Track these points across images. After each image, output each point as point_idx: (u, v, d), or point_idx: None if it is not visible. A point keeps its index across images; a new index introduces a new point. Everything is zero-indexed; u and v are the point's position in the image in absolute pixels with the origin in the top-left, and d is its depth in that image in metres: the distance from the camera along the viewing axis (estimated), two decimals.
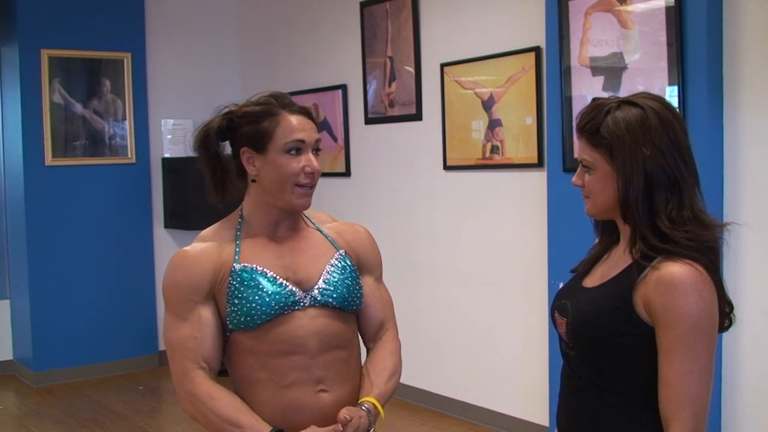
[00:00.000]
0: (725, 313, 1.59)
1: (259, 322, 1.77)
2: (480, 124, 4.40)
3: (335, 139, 5.40)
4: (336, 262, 1.87)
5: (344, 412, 1.75)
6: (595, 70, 3.63)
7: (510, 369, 4.36)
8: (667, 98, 3.29)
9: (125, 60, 5.79)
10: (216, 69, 6.26)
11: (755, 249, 3.27)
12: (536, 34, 4.05)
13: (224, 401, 1.75)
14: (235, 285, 1.78)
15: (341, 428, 1.72)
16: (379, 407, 1.83)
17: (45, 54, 5.48)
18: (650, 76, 3.42)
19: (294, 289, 1.81)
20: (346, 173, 5.36)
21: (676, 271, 1.49)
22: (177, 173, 5.86)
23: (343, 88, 5.33)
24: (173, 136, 6.05)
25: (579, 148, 1.64)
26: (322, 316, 1.82)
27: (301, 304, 1.81)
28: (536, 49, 4.07)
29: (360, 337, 1.97)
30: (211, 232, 1.88)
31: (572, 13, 3.70)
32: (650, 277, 1.52)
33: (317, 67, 5.57)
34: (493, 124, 4.33)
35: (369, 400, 1.82)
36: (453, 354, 4.70)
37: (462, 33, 4.51)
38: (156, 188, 6.02)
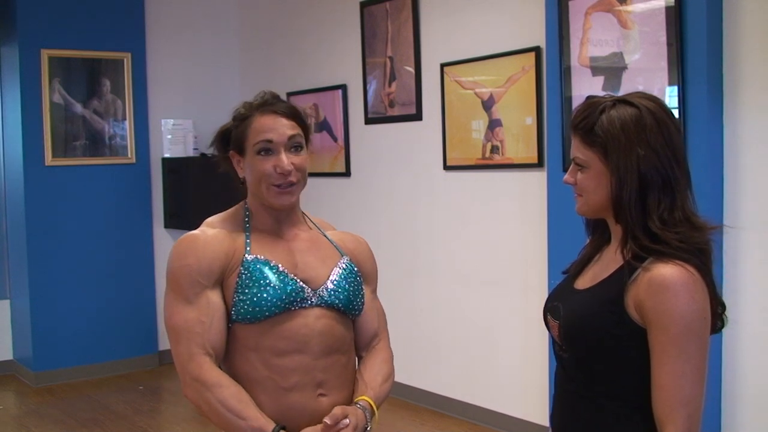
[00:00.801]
0: (717, 314, 1.58)
1: (267, 314, 1.76)
2: (480, 124, 4.40)
3: (335, 139, 5.40)
4: (343, 266, 1.89)
5: (338, 410, 1.75)
6: (595, 70, 3.63)
7: (510, 369, 4.36)
8: (667, 98, 3.31)
9: (125, 60, 5.79)
10: (216, 69, 6.26)
11: (755, 249, 3.26)
12: (536, 34, 4.05)
13: (231, 390, 1.74)
14: (245, 275, 1.77)
15: (329, 422, 1.72)
16: (374, 406, 1.83)
17: (45, 54, 5.48)
18: (650, 76, 3.42)
19: (303, 285, 1.81)
20: (346, 173, 5.36)
21: (668, 272, 1.48)
22: (177, 173, 5.87)
23: (343, 88, 5.33)
24: (173, 136, 6.04)
25: (573, 146, 1.63)
26: (327, 317, 1.83)
27: (309, 302, 1.81)
28: (536, 49, 4.07)
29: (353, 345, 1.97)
30: (218, 220, 1.89)
31: (572, 13, 3.70)
32: (641, 279, 1.51)
33: (317, 67, 5.57)
34: (493, 124, 4.33)
35: (364, 398, 1.83)
36: (453, 354, 4.70)
37: (462, 33, 4.51)
38: (156, 188, 6.02)
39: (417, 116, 4.82)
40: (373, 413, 1.82)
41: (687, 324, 1.47)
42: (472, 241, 4.54)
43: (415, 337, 4.76)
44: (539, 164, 4.09)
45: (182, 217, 5.79)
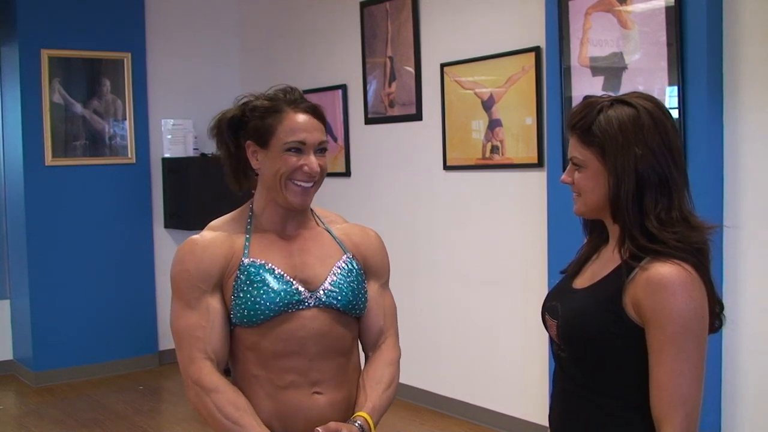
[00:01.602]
0: (716, 314, 1.58)
1: (262, 317, 1.76)
2: (480, 124, 4.40)
3: (335, 139, 5.40)
4: (343, 265, 1.87)
5: (332, 426, 1.74)
6: (595, 70, 3.63)
7: (510, 369, 4.36)
8: (667, 98, 3.31)
9: (125, 60, 5.79)
10: (216, 69, 6.26)
11: (755, 249, 3.26)
12: (536, 34, 4.05)
13: (228, 396, 1.74)
14: (241, 279, 1.77)
15: (321, 430, 1.72)
16: (371, 423, 1.81)
17: (45, 54, 5.48)
18: (650, 76, 3.42)
19: (300, 288, 1.80)
20: (346, 173, 5.36)
21: (665, 271, 1.48)
22: (177, 173, 5.86)
23: (343, 88, 5.33)
24: (173, 136, 6.04)
25: (570, 146, 1.63)
26: (325, 318, 1.82)
27: (306, 303, 1.80)
28: (536, 49, 4.07)
29: (360, 343, 1.96)
30: (221, 223, 1.88)
31: (572, 13, 3.70)
32: (639, 278, 1.51)
33: (317, 67, 5.57)
34: (493, 124, 4.33)
35: (362, 415, 1.81)
36: (453, 354, 4.70)
37: (462, 33, 4.51)
38: (156, 188, 6.02)
39: (417, 116, 4.82)
40: (370, 430, 1.80)
41: (685, 323, 1.47)
42: (472, 241, 4.54)
43: (415, 337, 4.76)
44: (539, 164, 4.09)
45: (182, 217, 5.79)
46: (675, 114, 3.23)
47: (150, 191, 5.97)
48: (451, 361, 4.72)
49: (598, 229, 1.70)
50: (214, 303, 1.78)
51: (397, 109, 4.96)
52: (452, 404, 4.69)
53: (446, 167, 4.64)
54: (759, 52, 3.21)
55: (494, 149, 4.34)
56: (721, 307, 1.60)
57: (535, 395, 4.15)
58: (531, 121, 4.12)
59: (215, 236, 1.83)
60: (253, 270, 1.78)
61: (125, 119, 5.83)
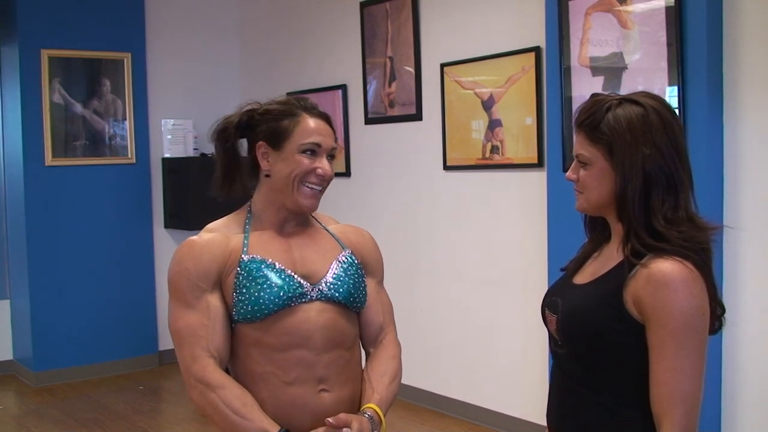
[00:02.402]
0: (716, 315, 1.58)
1: (266, 312, 1.77)
2: (480, 124, 4.40)
3: (335, 139, 5.39)
4: (343, 259, 1.90)
5: (343, 416, 1.75)
6: (595, 70, 3.63)
7: (510, 369, 4.36)
8: (667, 98, 3.31)
9: (125, 60, 5.79)
10: (216, 69, 6.26)
11: (755, 249, 3.27)
12: (536, 34, 4.05)
13: (235, 392, 1.75)
14: (243, 275, 1.78)
15: (332, 422, 1.73)
16: (381, 415, 1.83)
17: (45, 54, 5.48)
18: (650, 76, 3.42)
19: (301, 281, 1.82)
20: (346, 173, 5.36)
21: (667, 268, 1.49)
22: (177, 173, 5.87)
23: (343, 88, 5.33)
24: (173, 136, 6.05)
25: (576, 143, 1.63)
26: (328, 311, 1.83)
27: (308, 297, 1.82)
28: (536, 49, 4.07)
29: (360, 340, 1.97)
30: (218, 225, 1.90)
31: (572, 13, 3.70)
32: (640, 274, 1.51)
33: (317, 67, 5.57)
34: (493, 124, 4.33)
35: (371, 407, 1.83)
36: (453, 354, 4.70)
37: (462, 33, 4.51)
38: (156, 188, 6.02)
39: (417, 116, 4.82)
40: (380, 422, 1.82)
41: (686, 320, 1.47)
42: (472, 241, 4.54)
43: (415, 337, 4.76)
44: (539, 164, 4.09)
45: (182, 217, 5.79)
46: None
47: (150, 191, 5.98)
48: (451, 361, 4.72)
49: (600, 227, 1.70)
50: (215, 301, 1.79)
51: (397, 109, 4.96)
52: (452, 404, 4.69)
53: (446, 167, 4.64)
54: (759, 52, 3.21)
55: (494, 149, 4.34)
56: (723, 309, 1.60)
57: (535, 395, 4.15)
58: (531, 121, 4.12)
59: (213, 236, 1.85)
60: (254, 266, 1.79)
61: (125, 119, 5.83)
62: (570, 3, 3.70)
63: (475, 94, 4.42)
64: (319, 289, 1.83)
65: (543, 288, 3.94)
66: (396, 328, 2.02)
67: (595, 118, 1.58)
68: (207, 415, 1.78)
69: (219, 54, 6.29)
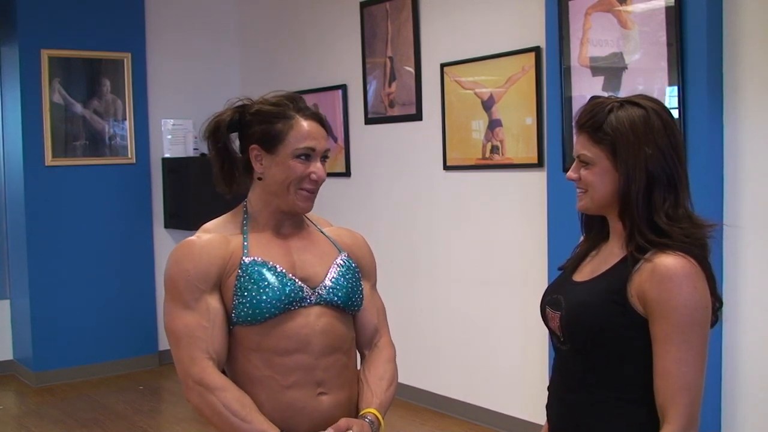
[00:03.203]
0: (714, 310, 1.61)
1: (267, 315, 1.77)
2: (480, 124, 4.40)
3: (335, 139, 5.40)
4: (341, 262, 1.89)
5: (343, 422, 1.76)
6: (595, 70, 3.63)
7: (510, 369, 4.36)
8: (667, 98, 3.32)
9: (125, 60, 5.79)
10: (216, 69, 6.26)
11: (755, 249, 3.27)
12: (536, 34, 4.05)
13: (234, 394, 1.75)
14: (244, 278, 1.77)
15: (332, 430, 1.73)
16: (381, 419, 1.83)
17: (45, 54, 5.48)
18: (650, 76, 3.42)
19: (302, 285, 1.81)
20: (346, 173, 5.36)
21: (670, 262, 1.52)
22: (177, 173, 5.87)
23: (343, 88, 5.34)
24: (173, 136, 6.05)
25: (578, 144, 1.66)
26: (327, 316, 1.83)
27: (308, 301, 1.81)
28: (536, 49, 4.07)
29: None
30: (215, 225, 1.88)
31: (572, 13, 3.70)
32: (644, 269, 1.55)
33: (317, 67, 5.57)
34: (493, 124, 4.33)
35: (371, 411, 1.83)
36: (453, 354, 4.70)
37: (462, 33, 4.51)
38: (156, 188, 6.02)
39: (417, 116, 4.82)
40: (379, 426, 1.83)
41: (690, 313, 1.51)
42: (472, 241, 4.54)
43: (415, 337, 4.76)
44: (539, 164, 4.09)
45: (182, 217, 5.79)
46: (675, 114, 3.23)
47: (150, 191, 5.98)
48: (450, 361, 4.72)
49: (597, 226, 1.73)
50: (214, 303, 1.78)
51: (397, 109, 4.97)
52: (452, 404, 4.69)
53: (446, 167, 4.64)
54: (759, 52, 3.22)
55: (494, 149, 4.34)
56: (720, 303, 1.64)
57: (535, 395, 4.15)
58: (531, 121, 4.12)
59: (212, 237, 1.83)
60: (255, 268, 1.78)
61: (125, 119, 5.83)
62: (570, 3, 3.70)
63: (475, 94, 4.42)
64: (318, 293, 1.83)
65: (543, 288, 3.93)
66: (389, 331, 2.02)
67: (597, 120, 1.61)
68: (205, 417, 1.77)
69: (219, 54, 6.29)
